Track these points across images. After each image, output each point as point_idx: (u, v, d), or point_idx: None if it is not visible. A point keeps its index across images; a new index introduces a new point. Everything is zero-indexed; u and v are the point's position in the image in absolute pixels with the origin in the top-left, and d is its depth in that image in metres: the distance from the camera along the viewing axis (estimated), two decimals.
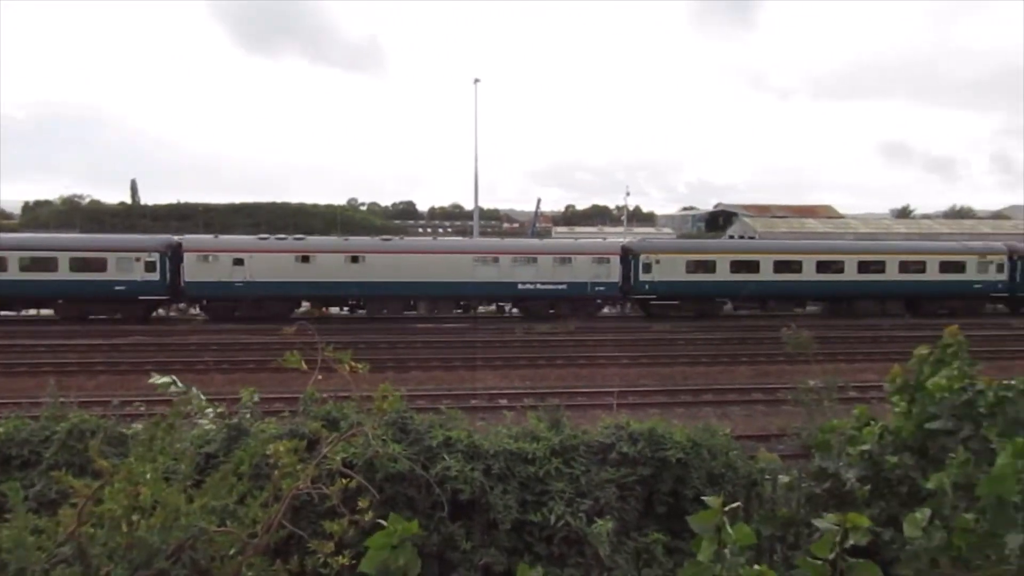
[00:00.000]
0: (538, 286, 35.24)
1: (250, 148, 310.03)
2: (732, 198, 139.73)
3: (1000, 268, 38.34)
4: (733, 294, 37.47)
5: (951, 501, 2.94)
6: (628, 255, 36.39)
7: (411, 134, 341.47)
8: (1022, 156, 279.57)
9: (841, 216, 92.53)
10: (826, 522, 2.50)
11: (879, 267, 37.71)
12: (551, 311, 35.42)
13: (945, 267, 37.96)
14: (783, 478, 4.78)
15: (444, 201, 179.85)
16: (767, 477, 5.15)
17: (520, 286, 35.22)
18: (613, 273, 35.96)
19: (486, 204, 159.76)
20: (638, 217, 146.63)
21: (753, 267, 36.98)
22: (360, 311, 35.47)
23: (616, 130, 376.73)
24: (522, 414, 5.96)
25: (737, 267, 36.90)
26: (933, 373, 3.99)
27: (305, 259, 34.10)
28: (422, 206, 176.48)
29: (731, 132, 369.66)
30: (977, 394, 3.65)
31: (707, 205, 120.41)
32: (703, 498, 2.56)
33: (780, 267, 37.07)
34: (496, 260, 35.28)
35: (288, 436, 4.21)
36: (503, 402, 18.55)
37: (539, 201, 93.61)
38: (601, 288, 35.87)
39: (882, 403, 4.46)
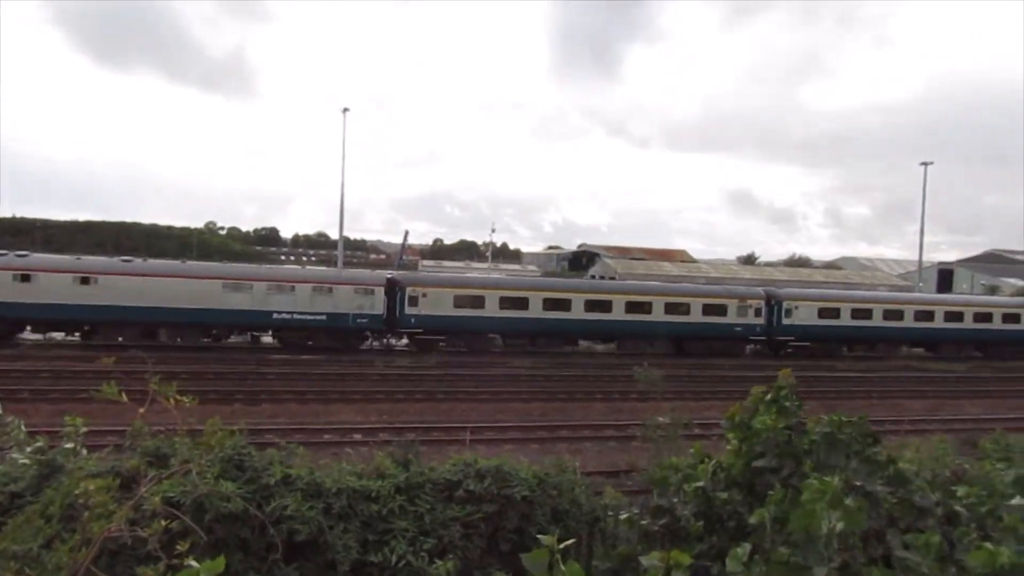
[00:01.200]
0: (295, 316, 33.70)
1: (99, 164, 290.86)
2: (596, 239, 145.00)
3: (758, 312, 40.14)
4: (502, 330, 37.67)
5: (770, 536, 3.08)
6: (394, 287, 35.50)
7: (276, 159, 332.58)
8: (851, 212, 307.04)
9: (695, 261, 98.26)
10: (651, 559, 2.55)
11: (646, 308, 38.49)
12: (310, 343, 34.35)
13: (708, 310, 39.28)
14: (624, 515, 4.87)
15: (309, 229, 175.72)
16: (611, 513, 5.23)
17: (275, 315, 33.47)
18: (377, 305, 34.86)
19: (353, 234, 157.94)
20: (505, 254, 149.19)
21: (522, 304, 36.82)
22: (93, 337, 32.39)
23: (486, 168, 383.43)
24: (373, 450, 5.81)
25: (506, 303, 36.65)
26: (766, 412, 4.19)
27: (25, 278, 30.95)
28: (286, 233, 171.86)
29: (595, 175, 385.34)
30: (800, 433, 3.88)
31: (572, 245, 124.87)
32: (538, 536, 2.55)
33: (549, 305, 37.07)
34: (250, 287, 33.40)
35: (106, 473, 3.89)
36: (357, 437, 18.08)
37: (407, 233, 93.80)
38: (364, 320, 34.75)
39: (722, 440, 4.60)
